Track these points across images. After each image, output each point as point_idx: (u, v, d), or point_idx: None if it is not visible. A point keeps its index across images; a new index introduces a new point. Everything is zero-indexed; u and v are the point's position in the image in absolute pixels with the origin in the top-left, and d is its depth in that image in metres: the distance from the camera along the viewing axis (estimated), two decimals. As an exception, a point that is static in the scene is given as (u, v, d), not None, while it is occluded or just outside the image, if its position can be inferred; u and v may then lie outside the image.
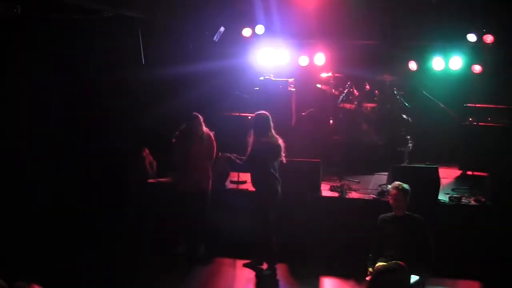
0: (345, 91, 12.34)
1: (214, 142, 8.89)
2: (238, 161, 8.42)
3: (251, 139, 8.28)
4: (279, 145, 8.22)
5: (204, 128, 8.83)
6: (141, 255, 9.04)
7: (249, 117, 10.36)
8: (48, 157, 9.03)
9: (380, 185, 9.89)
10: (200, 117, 8.77)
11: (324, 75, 12.75)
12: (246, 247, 8.75)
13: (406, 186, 7.04)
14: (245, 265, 8.69)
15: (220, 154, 8.88)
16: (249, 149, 8.27)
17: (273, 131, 8.27)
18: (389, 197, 7.14)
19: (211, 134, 8.91)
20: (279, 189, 8.29)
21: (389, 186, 7.17)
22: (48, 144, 9.24)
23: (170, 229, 9.22)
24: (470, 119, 11.19)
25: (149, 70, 10.45)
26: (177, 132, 8.91)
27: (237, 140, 8.88)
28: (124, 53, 10.20)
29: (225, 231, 9.03)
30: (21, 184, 8.66)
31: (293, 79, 12.39)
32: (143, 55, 10.24)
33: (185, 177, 8.81)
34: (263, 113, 8.34)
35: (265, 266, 8.50)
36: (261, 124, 8.25)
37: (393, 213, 7.10)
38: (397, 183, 7.10)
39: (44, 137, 9.15)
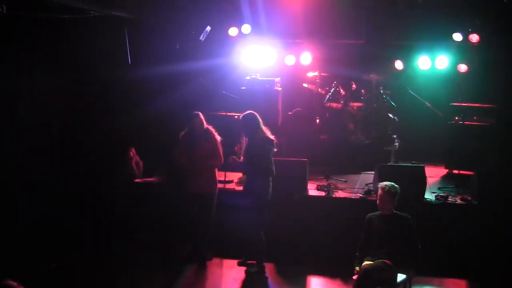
0: (331, 91, 12.38)
1: (217, 138, 8.66)
2: (238, 161, 8.45)
3: (244, 141, 8.35)
4: (271, 140, 8.28)
5: (206, 126, 8.65)
6: (128, 255, 9.01)
7: (236, 117, 10.37)
8: (35, 157, 8.95)
9: (366, 184, 9.91)
10: (201, 114, 8.61)
11: (310, 74, 12.81)
12: (234, 247, 8.75)
13: (393, 187, 6.99)
14: (239, 264, 8.66)
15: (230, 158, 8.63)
16: (244, 149, 8.34)
17: (263, 127, 8.31)
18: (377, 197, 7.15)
19: (212, 129, 8.69)
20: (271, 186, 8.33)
21: (378, 185, 7.16)
22: (35, 144, 9.17)
23: (158, 229, 9.23)
24: (456, 118, 11.25)
25: (136, 70, 10.40)
26: (180, 136, 8.69)
27: (224, 140, 8.85)
28: (111, 53, 10.14)
29: (213, 231, 9.01)
30: (9, 184, 8.58)
31: (279, 78, 12.40)
32: (130, 55, 10.20)
33: (191, 180, 8.59)
34: (250, 112, 8.37)
35: (255, 264, 8.51)
36: (250, 123, 8.29)
37: (380, 212, 7.12)
38: (383, 183, 7.07)
39: (30, 137, 9.07)
